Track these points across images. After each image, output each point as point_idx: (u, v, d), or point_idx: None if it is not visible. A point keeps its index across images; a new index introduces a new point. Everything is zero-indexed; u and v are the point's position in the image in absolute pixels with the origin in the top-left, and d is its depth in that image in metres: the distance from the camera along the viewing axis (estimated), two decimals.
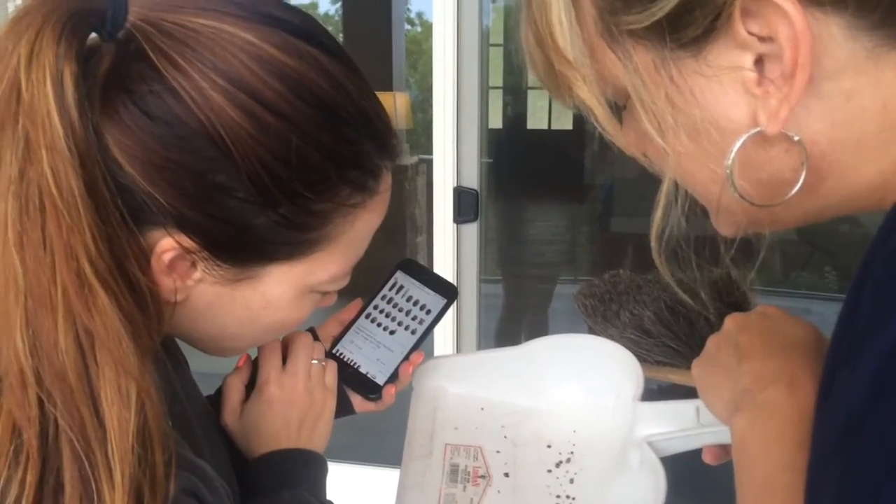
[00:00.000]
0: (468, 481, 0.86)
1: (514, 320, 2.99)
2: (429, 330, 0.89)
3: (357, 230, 0.64)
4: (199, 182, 0.56)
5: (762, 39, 0.47)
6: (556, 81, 0.57)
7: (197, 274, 0.60)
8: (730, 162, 0.50)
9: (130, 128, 0.54)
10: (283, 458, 0.79)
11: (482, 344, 2.43)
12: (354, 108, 0.60)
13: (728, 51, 0.48)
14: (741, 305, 0.88)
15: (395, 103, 3.50)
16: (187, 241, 0.57)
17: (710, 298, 0.85)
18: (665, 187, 0.56)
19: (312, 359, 0.84)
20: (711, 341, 0.69)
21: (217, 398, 0.87)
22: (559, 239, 2.95)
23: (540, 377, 0.93)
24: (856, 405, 0.40)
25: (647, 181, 0.60)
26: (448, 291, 0.91)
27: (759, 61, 0.48)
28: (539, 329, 2.94)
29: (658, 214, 0.57)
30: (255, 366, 0.84)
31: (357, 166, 0.61)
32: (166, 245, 0.57)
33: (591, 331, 0.96)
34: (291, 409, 0.80)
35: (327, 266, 0.64)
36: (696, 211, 0.59)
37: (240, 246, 0.60)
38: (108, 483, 0.51)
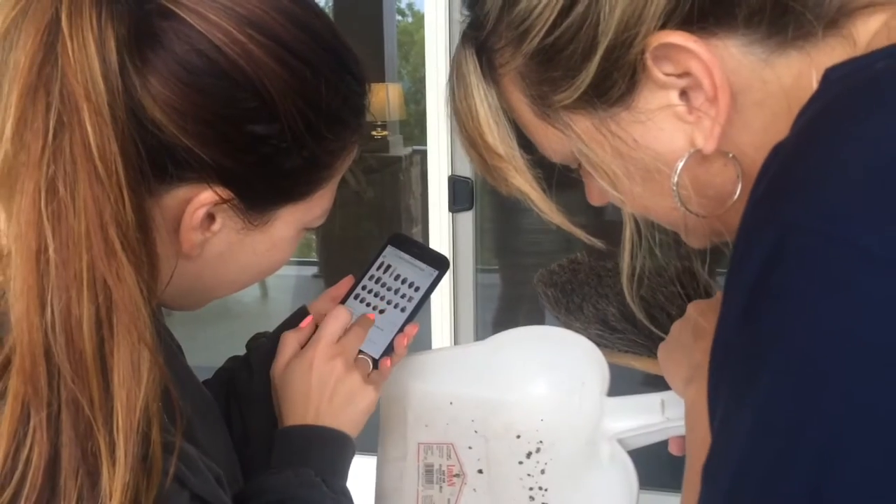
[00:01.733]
0: (444, 481, 0.87)
1: (511, 309, 2.99)
2: (419, 305, 0.90)
3: (345, 167, 0.68)
4: (239, 131, 0.57)
5: (679, 76, 0.53)
6: (492, 174, 0.64)
7: (216, 225, 0.61)
8: (675, 180, 0.56)
9: (170, 84, 0.54)
10: (302, 433, 0.79)
11: (479, 334, 2.44)
12: (348, 52, 0.64)
13: (653, 95, 0.54)
14: (704, 297, 0.89)
15: (388, 95, 3.49)
16: (226, 193, 0.59)
17: (672, 294, 0.88)
18: (627, 233, 0.65)
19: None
20: (675, 326, 0.75)
21: (215, 382, 0.88)
22: (553, 227, 2.94)
23: (506, 369, 0.94)
24: (729, 333, 0.46)
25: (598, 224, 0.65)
26: (439, 263, 0.91)
27: (684, 93, 0.54)
28: (536, 318, 2.95)
29: (625, 259, 0.66)
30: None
31: (355, 106, 0.65)
32: (205, 199, 0.58)
33: (556, 320, 0.97)
34: (329, 377, 0.80)
35: (321, 203, 0.67)
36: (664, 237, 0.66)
37: (268, 191, 0.62)
38: (108, 461, 0.51)
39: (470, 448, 0.91)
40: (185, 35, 0.54)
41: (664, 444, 0.82)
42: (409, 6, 3.69)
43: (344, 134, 0.64)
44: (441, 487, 0.87)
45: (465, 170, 2.26)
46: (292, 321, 0.88)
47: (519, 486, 0.87)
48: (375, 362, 0.87)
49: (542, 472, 0.88)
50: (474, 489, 0.87)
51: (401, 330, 0.88)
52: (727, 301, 0.46)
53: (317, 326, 0.85)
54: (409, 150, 3.57)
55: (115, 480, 0.50)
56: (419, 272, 0.91)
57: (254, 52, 0.56)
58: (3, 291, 0.53)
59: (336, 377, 0.81)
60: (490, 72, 0.61)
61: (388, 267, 0.92)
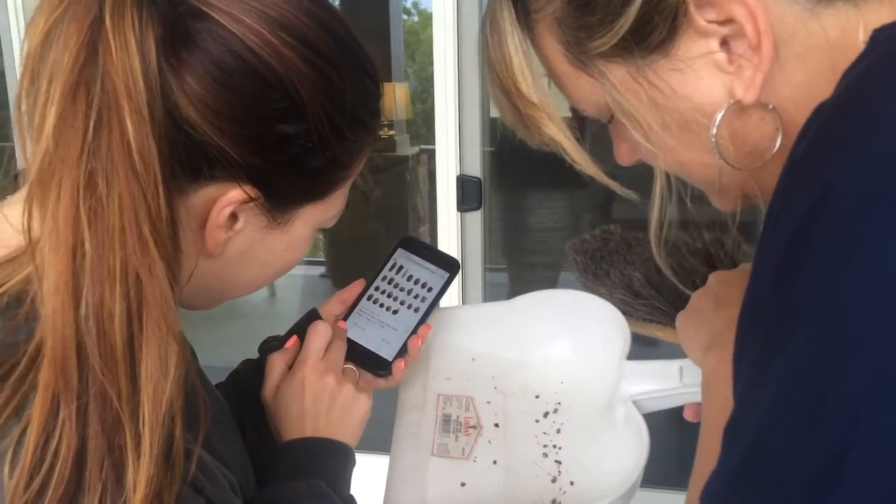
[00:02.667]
0: (460, 431, 0.89)
1: None
2: (433, 306, 0.90)
3: (361, 166, 0.69)
4: (269, 131, 0.58)
5: (721, 23, 0.51)
6: (524, 123, 0.63)
7: (239, 224, 0.62)
8: (714, 131, 0.55)
9: (205, 83, 0.55)
10: (306, 446, 0.79)
11: None
12: (365, 54, 0.65)
13: (694, 42, 0.53)
14: (730, 267, 0.90)
15: (395, 94, 3.49)
16: (253, 191, 0.59)
17: (699, 263, 0.87)
18: (658, 186, 0.62)
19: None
20: (695, 295, 0.74)
21: (228, 386, 0.88)
22: (562, 226, 2.94)
23: (529, 331, 0.96)
24: (762, 293, 0.45)
25: (648, 167, 0.64)
26: (450, 266, 0.91)
27: (724, 42, 0.52)
28: None
29: (655, 212, 0.63)
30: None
31: (372, 108, 0.66)
32: (232, 197, 0.59)
33: (583, 286, 0.98)
34: (322, 393, 0.81)
35: (337, 203, 0.68)
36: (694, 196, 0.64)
37: (293, 190, 0.63)
38: (134, 454, 0.51)
39: (488, 403, 0.93)
40: (219, 36, 0.55)
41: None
42: (415, 5, 3.69)
43: (362, 134, 0.65)
44: (457, 437, 0.89)
45: (474, 169, 2.25)
46: (303, 323, 0.88)
47: (534, 442, 0.88)
48: (389, 364, 0.87)
49: (558, 431, 0.89)
50: (489, 441, 0.88)
51: (414, 331, 0.88)
52: (760, 260, 0.45)
53: (301, 345, 0.85)
54: (416, 149, 3.57)
55: (140, 473, 0.51)
56: (430, 274, 0.91)
57: (284, 53, 0.57)
58: (28, 280, 0.54)
59: (330, 392, 0.81)
60: (525, 18, 0.60)
61: (401, 268, 0.92)
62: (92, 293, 0.51)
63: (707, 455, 0.59)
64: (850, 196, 0.39)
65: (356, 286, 0.92)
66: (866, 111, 0.42)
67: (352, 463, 0.82)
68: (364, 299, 0.91)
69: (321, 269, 3.85)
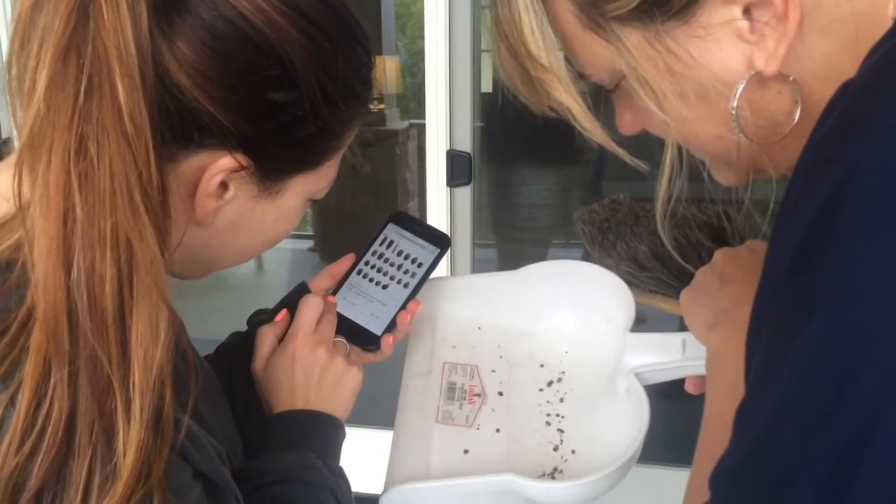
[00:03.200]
0: (465, 399, 0.90)
1: None
2: (422, 281, 0.90)
3: (352, 137, 0.68)
4: (261, 98, 0.58)
5: None
6: (532, 88, 0.60)
7: (229, 193, 0.61)
8: (734, 104, 0.53)
9: (196, 49, 0.54)
10: (296, 418, 0.79)
11: None
12: (358, 24, 0.64)
13: (716, 9, 0.51)
14: (738, 242, 0.90)
15: (385, 67, 3.47)
16: (244, 159, 0.59)
17: (705, 237, 0.87)
18: (668, 158, 0.60)
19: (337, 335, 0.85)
20: (700, 272, 0.73)
21: (217, 358, 0.88)
22: (551, 202, 2.95)
23: (535, 300, 0.96)
24: (780, 274, 0.44)
25: (638, 145, 0.63)
26: (440, 241, 0.91)
27: (747, 10, 0.51)
28: None
29: (663, 185, 0.62)
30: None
31: (364, 78, 0.66)
32: (223, 165, 0.58)
33: (589, 256, 0.98)
34: (313, 367, 0.81)
35: (328, 173, 0.68)
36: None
37: (284, 159, 0.62)
38: (124, 419, 0.51)
39: (493, 371, 0.94)
40: (211, 1, 0.55)
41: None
42: None
43: (354, 104, 0.65)
44: (461, 405, 0.90)
45: (464, 144, 2.25)
46: (293, 297, 0.88)
47: (537, 410, 0.89)
48: (378, 339, 0.87)
49: (561, 400, 0.90)
50: (493, 409, 0.90)
51: (403, 306, 0.88)
52: (779, 241, 0.44)
53: (291, 318, 0.85)
54: (405, 123, 3.55)
55: (130, 438, 0.51)
56: (420, 250, 0.91)
57: (276, 20, 0.57)
58: (18, 247, 0.54)
59: (321, 365, 0.81)
60: None
61: (391, 243, 0.92)
62: (83, 258, 0.51)
63: (711, 436, 0.59)
64: (875, 178, 0.38)
65: (346, 260, 0.92)
66: (893, 92, 0.41)
67: (342, 436, 0.82)
68: (353, 274, 0.90)
69: (309, 243, 3.84)
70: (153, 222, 0.53)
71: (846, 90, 0.44)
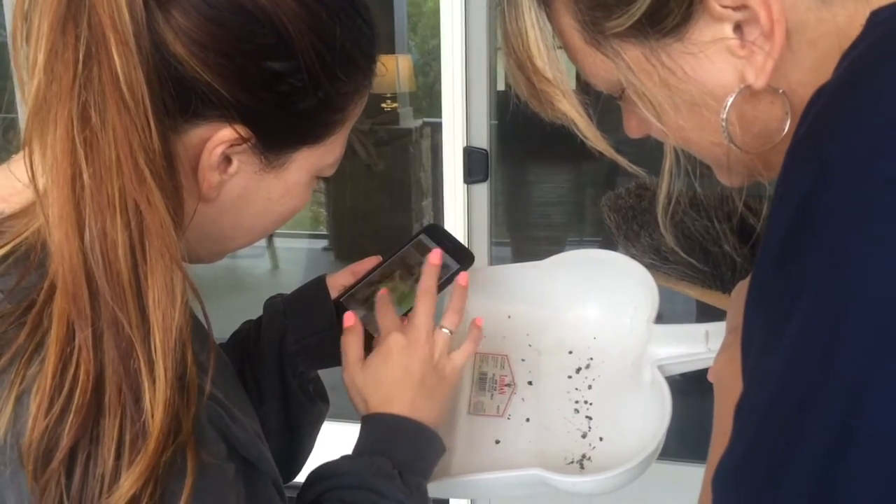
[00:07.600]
0: (495, 389, 0.92)
1: None
2: (440, 290, 0.89)
3: (356, 113, 0.68)
4: (257, 67, 0.58)
5: (736, 9, 0.52)
6: (539, 99, 0.64)
7: (232, 167, 0.62)
8: (724, 115, 0.56)
9: (191, 17, 0.55)
10: (387, 422, 0.78)
11: None
12: None
13: (708, 27, 0.54)
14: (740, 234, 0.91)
15: (399, 66, 3.47)
16: (245, 131, 0.59)
17: (727, 229, 0.88)
18: (667, 163, 0.65)
19: (436, 322, 0.84)
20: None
21: (230, 345, 0.89)
22: (565, 200, 2.94)
23: (563, 289, 0.98)
24: (767, 275, 0.45)
25: (652, 141, 0.66)
26: (463, 258, 0.91)
27: (738, 27, 0.54)
28: None
29: (663, 189, 0.66)
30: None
31: (367, 52, 0.65)
32: (224, 136, 0.59)
33: (615, 243, 0.98)
34: (412, 358, 0.80)
35: (335, 149, 0.68)
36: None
37: (285, 132, 0.63)
38: (149, 379, 0.52)
39: (523, 360, 0.95)
40: None
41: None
42: None
43: (356, 77, 0.65)
44: (492, 395, 0.92)
45: (481, 141, 2.24)
46: (309, 289, 0.89)
47: (566, 398, 0.91)
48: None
49: (589, 387, 0.92)
50: (522, 399, 0.91)
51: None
52: (767, 241, 0.46)
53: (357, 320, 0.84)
54: (419, 122, 3.55)
55: (157, 396, 0.52)
56: (444, 266, 0.91)
57: None
58: (42, 231, 0.55)
59: (419, 357, 0.80)
60: None
61: (417, 253, 0.92)
62: (94, 222, 0.52)
63: (721, 436, 0.59)
64: (848, 173, 0.40)
65: (369, 261, 0.92)
66: (863, 92, 0.43)
67: (436, 452, 0.79)
68: (375, 275, 0.91)
69: (324, 243, 3.85)
70: (160, 187, 0.54)
71: (821, 94, 0.47)
